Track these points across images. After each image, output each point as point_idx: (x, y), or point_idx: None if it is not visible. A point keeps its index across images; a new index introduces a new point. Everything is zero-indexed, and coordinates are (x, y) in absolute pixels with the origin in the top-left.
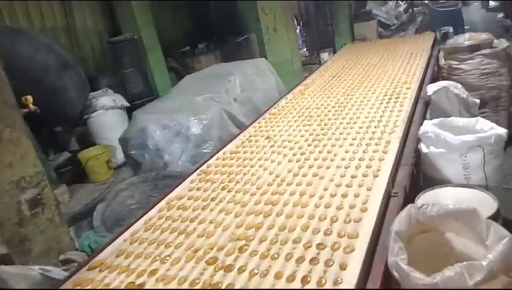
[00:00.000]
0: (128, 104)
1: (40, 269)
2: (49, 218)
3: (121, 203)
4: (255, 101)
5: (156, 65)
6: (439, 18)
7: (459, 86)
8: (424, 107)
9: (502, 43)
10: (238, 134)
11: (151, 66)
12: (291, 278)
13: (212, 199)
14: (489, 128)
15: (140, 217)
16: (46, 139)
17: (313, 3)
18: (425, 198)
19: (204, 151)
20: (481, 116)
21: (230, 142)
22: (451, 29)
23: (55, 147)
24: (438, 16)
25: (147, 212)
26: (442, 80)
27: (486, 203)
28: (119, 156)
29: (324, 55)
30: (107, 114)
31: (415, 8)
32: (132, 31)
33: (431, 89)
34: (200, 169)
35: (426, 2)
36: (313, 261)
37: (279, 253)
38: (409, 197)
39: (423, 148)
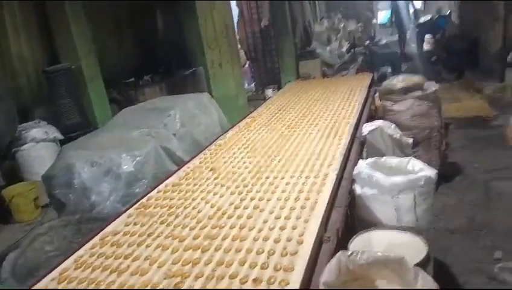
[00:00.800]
0: (62, 137)
1: None
2: None
3: (37, 250)
4: (196, 137)
5: (96, 96)
6: (378, 59)
7: (393, 126)
8: (359, 146)
9: (431, 86)
10: (182, 165)
11: (91, 96)
12: None
13: (149, 234)
14: (420, 170)
15: (70, 255)
16: None
17: (261, 40)
18: (359, 241)
19: (137, 190)
20: (414, 156)
21: (173, 174)
22: (389, 70)
23: None
24: (377, 57)
25: (78, 249)
26: (378, 119)
27: (417, 247)
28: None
29: (268, 92)
30: (38, 147)
31: (356, 49)
32: (72, 60)
33: (366, 128)
34: (139, 202)
35: (367, 43)
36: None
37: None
38: (343, 240)
39: (357, 189)
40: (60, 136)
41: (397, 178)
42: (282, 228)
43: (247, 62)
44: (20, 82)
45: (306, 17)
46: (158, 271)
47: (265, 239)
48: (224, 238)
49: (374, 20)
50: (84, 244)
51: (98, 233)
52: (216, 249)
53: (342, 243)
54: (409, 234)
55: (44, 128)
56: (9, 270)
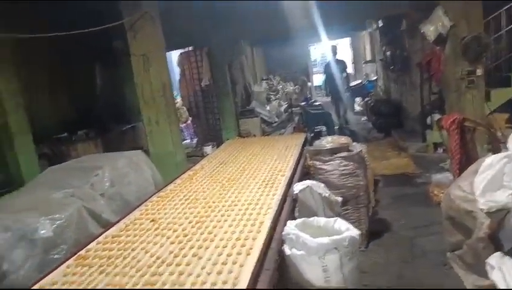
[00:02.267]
0: None
1: None
2: None
3: None
4: (126, 197)
5: (24, 152)
6: (312, 118)
7: (322, 185)
8: (291, 205)
9: (356, 147)
10: (123, 217)
11: (17, 153)
12: None
13: (88, 284)
14: (345, 230)
15: None
16: None
17: (202, 98)
18: None
19: (56, 257)
20: (344, 214)
21: (113, 225)
22: (324, 128)
23: None
24: (311, 116)
25: None
26: (310, 178)
27: None
28: None
29: (207, 149)
30: None
31: (293, 109)
32: None
33: (297, 187)
34: (77, 254)
35: (303, 104)
36: None
37: None
38: None
39: (286, 250)
40: None
41: (323, 239)
42: (219, 273)
43: (189, 118)
44: None
45: (246, 78)
46: None
47: (203, 283)
48: (163, 284)
49: (309, 83)
50: None
51: (35, 284)
52: None
53: None
54: None
55: None
56: None
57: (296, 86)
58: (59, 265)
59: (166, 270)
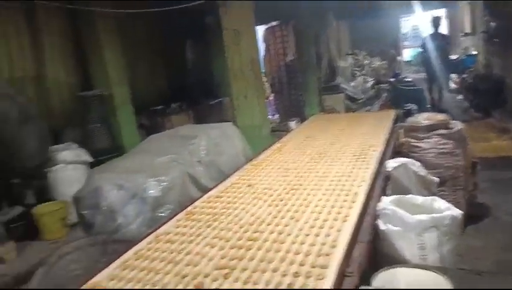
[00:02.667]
0: (92, 160)
1: None
2: None
3: (63, 268)
4: (219, 165)
5: (126, 122)
6: (402, 96)
7: (418, 163)
8: (383, 182)
9: (457, 125)
10: (221, 182)
11: (120, 122)
12: None
13: (198, 235)
14: (446, 209)
15: (131, 248)
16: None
17: (286, 74)
18: (382, 278)
19: (162, 215)
20: (440, 195)
21: (213, 188)
22: (415, 107)
23: (10, 200)
24: (401, 93)
25: (137, 244)
26: (402, 156)
27: (442, 287)
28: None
29: (292, 124)
30: (68, 169)
31: (380, 85)
32: (104, 85)
33: (390, 164)
34: (185, 210)
35: (391, 80)
36: (290, 285)
37: (259, 280)
38: (365, 276)
39: (381, 225)
40: (89, 159)
41: (422, 216)
42: (316, 235)
43: (272, 94)
44: (54, 105)
45: (331, 53)
46: (208, 264)
47: (302, 243)
48: (264, 241)
49: (399, 58)
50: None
51: (153, 232)
52: (258, 249)
53: (364, 280)
54: (434, 273)
55: (75, 151)
56: (36, 285)
57: (384, 61)
58: (170, 218)
59: (266, 229)
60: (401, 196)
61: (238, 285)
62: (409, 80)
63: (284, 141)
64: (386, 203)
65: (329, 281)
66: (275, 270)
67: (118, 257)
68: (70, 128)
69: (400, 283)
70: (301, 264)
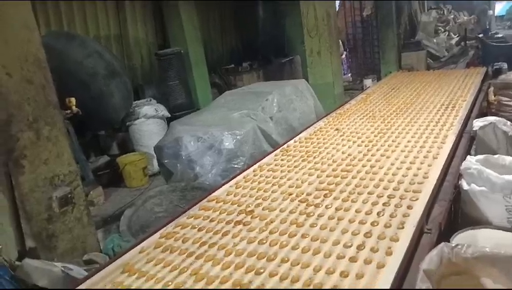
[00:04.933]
0: (169, 115)
1: (62, 266)
2: (78, 217)
3: (148, 210)
4: (291, 122)
5: (200, 80)
6: (492, 53)
7: (508, 123)
8: (468, 141)
9: None
10: (309, 126)
11: (195, 80)
12: (368, 212)
13: (295, 167)
14: None
15: (241, 173)
16: (89, 141)
17: (361, 30)
18: (462, 238)
19: (235, 166)
20: None
21: (303, 130)
22: (505, 66)
23: (97, 150)
24: (491, 50)
25: (245, 170)
26: (490, 115)
27: None
28: (156, 164)
29: (367, 82)
30: (148, 123)
31: (467, 42)
32: (180, 45)
33: (477, 124)
34: (280, 148)
35: (480, 36)
36: (386, 204)
37: (357, 199)
38: (444, 235)
39: (464, 185)
40: (167, 114)
41: (511, 177)
42: (408, 169)
43: (344, 52)
44: (134, 63)
45: (412, 7)
46: (309, 186)
47: (395, 174)
48: (358, 172)
49: (490, 12)
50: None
51: (251, 166)
52: (353, 178)
53: (443, 240)
54: None
55: (154, 106)
56: (126, 224)
57: (472, 16)
58: (269, 153)
59: (358, 163)
60: (488, 155)
61: (338, 202)
62: (500, 35)
63: (368, 92)
64: (472, 162)
65: (419, 208)
66: (370, 193)
67: (231, 179)
68: (149, 85)
69: (482, 244)
70: (395, 189)
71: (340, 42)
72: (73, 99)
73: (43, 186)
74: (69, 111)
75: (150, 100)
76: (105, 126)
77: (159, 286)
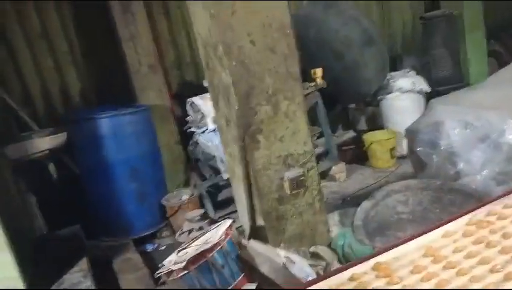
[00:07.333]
0: (429, 90)
1: (285, 256)
2: (309, 203)
3: (389, 208)
4: None
5: (474, 48)
6: None
7: None
8: None
9: None
10: None
11: (468, 48)
12: None
13: None
14: None
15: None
16: (338, 115)
17: None
18: None
19: None
20: None
21: None
22: None
23: (345, 124)
24: None
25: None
26: None
27: None
28: (405, 147)
29: None
30: (402, 98)
31: None
32: (453, 6)
33: None
34: None
35: None
36: None
37: None
38: None
39: None
40: (426, 89)
41: None
42: None
43: None
44: (394, 29)
45: None
46: None
47: None
48: None
49: None
50: None
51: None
52: None
53: None
54: None
55: (411, 79)
56: (361, 219)
57: None
58: None
59: None
60: None
61: None
62: None
63: None
64: None
65: None
66: None
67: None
68: (409, 54)
69: None
70: None
71: None
72: (318, 71)
73: (276, 164)
74: (313, 84)
75: (408, 72)
76: (355, 99)
77: None
